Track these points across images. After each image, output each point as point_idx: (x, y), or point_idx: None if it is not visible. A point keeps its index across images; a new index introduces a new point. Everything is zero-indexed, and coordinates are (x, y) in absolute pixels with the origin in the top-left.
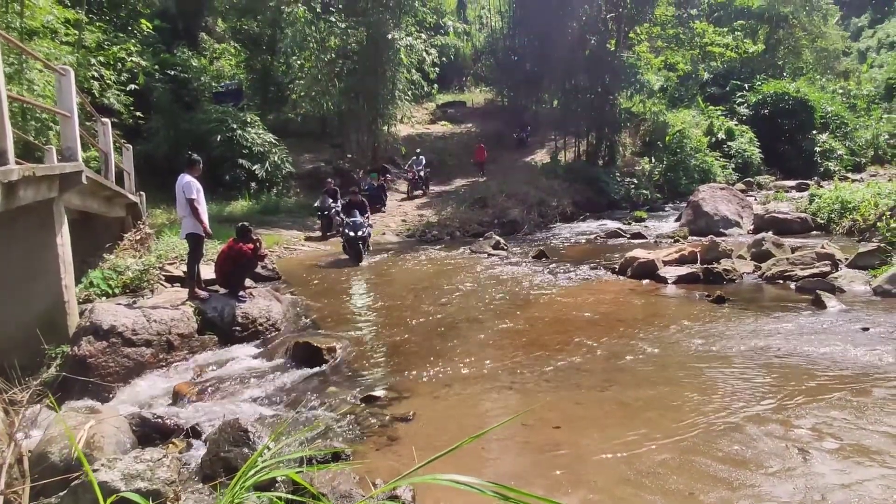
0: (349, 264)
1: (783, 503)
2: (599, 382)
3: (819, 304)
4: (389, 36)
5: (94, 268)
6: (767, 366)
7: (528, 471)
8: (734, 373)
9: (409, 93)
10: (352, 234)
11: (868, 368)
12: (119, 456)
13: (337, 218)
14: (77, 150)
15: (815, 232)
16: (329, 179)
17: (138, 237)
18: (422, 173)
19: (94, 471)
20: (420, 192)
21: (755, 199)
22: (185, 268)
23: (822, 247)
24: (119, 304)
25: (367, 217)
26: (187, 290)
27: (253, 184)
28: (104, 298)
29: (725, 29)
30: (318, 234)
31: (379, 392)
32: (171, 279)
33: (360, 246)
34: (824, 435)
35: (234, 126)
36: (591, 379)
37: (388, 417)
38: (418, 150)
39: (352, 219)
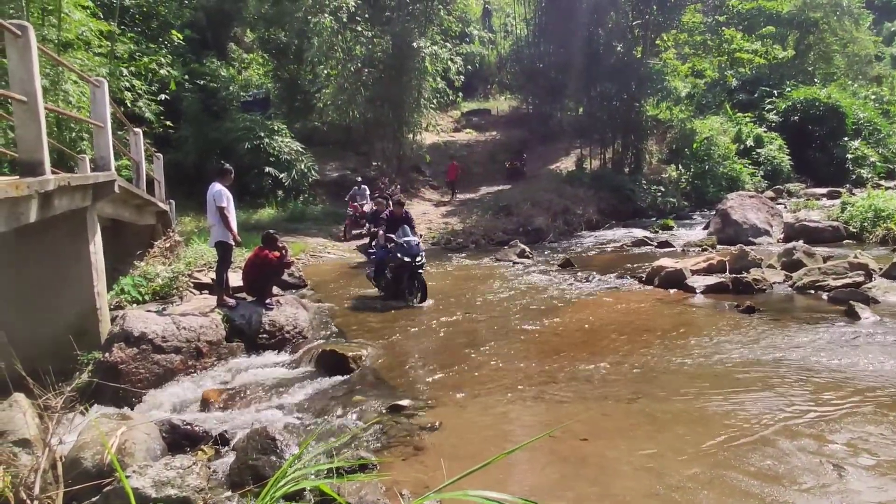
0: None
1: None
2: (627, 394)
3: (852, 316)
4: (415, 45)
5: (124, 275)
6: (799, 378)
7: (554, 483)
8: (765, 385)
9: (435, 101)
10: (406, 258)
11: None
12: (150, 463)
13: (370, 226)
14: (110, 160)
15: (847, 241)
16: (358, 178)
17: (168, 245)
18: (366, 207)
19: (126, 477)
20: (362, 230)
21: (785, 208)
22: (213, 275)
23: (856, 256)
24: (149, 311)
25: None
26: (216, 297)
27: (280, 192)
28: (135, 305)
29: (754, 36)
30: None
31: (405, 401)
32: (200, 286)
33: (416, 281)
34: (860, 451)
35: (262, 134)
36: (618, 390)
37: (414, 427)
38: (359, 179)
39: (405, 238)
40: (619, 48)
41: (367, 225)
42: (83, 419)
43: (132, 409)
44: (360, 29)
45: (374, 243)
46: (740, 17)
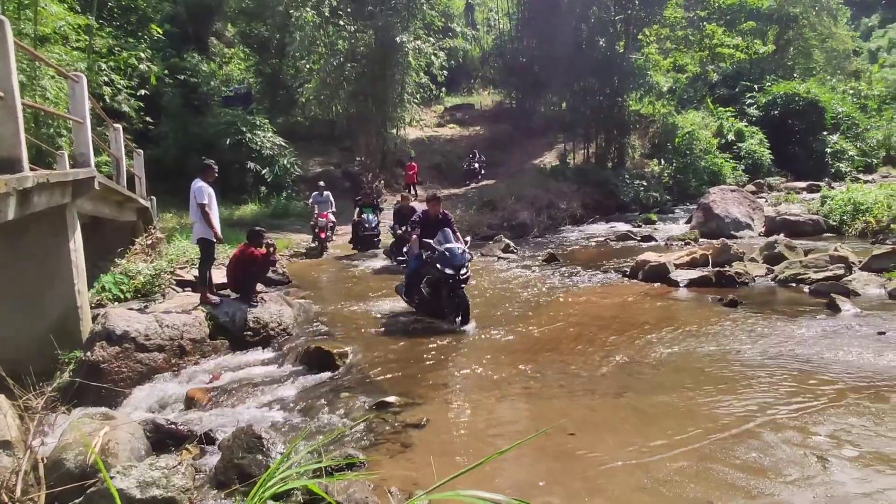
0: (358, 262)
1: None
2: (614, 388)
3: (833, 308)
4: (398, 39)
5: (105, 272)
6: (782, 371)
7: (543, 479)
8: (749, 378)
9: (418, 96)
10: (448, 270)
11: (885, 373)
12: (134, 463)
13: (396, 226)
14: (90, 156)
15: (827, 234)
16: (320, 183)
17: (149, 242)
18: (330, 215)
19: (111, 478)
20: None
21: (766, 201)
22: (196, 272)
23: (836, 249)
24: (131, 309)
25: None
26: (199, 294)
27: (262, 187)
28: (116, 303)
29: (735, 31)
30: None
31: (391, 398)
32: (183, 283)
33: (457, 298)
34: (843, 442)
35: (244, 129)
36: (605, 384)
37: (401, 424)
38: (321, 183)
39: (447, 245)
40: (602, 43)
41: (394, 227)
42: (65, 420)
43: (115, 408)
44: (342, 23)
45: (405, 249)
46: (721, 12)
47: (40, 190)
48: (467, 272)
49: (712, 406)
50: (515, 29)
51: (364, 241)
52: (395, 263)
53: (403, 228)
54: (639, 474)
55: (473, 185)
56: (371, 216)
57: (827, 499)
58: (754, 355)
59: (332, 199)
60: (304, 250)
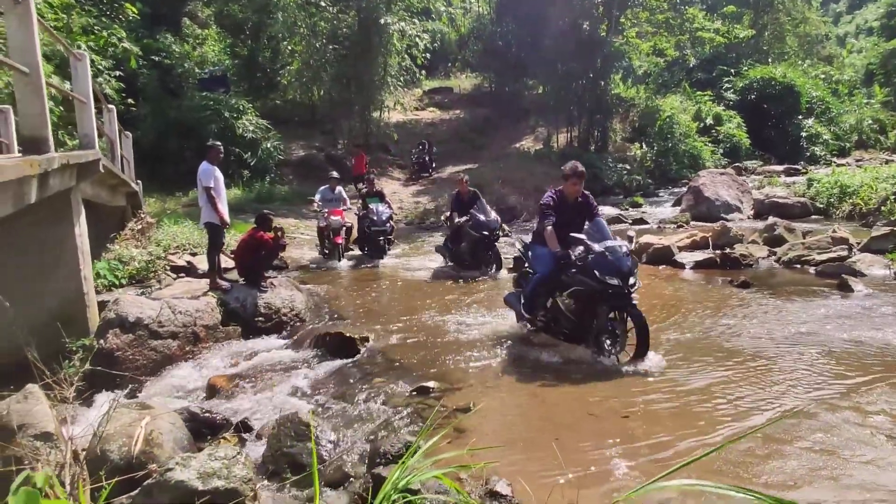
0: (410, 267)
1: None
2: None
3: (845, 288)
4: (382, 21)
5: (98, 259)
6: (817, 351)
7: (616, 461)
8: (787, 358)
9: (401, 79)
10: (615, 283)
11: None
12: (191, 454)
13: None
14: (94, 138)
15: (814, 216)
16: (333, 173)
17: (139, 227)
18: (347, 216)
19: (168, 469)
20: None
21: (751, 185)
22: (188, 257)
23: (834, 231)
24: (140, 294)
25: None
26: (203, 280)
27: (245, 172)
28: (114, 290)
29: (716, 14)
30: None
31: (430, 383)
32: (177, 269)
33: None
34: None
35: (226, 114)
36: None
37: (448, 409)
38: (334, 174)
39: (607, 242)
40: (585, 25)
41: (450, 216)
42: (90, 410)
43: (129, 399)
44: (323, 4)
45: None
46: None
47: (55, 172)
48: (636, 282)
49: (757, 386)
50: (494, 11)
51: (372, 241)
52: (448, 264)
53: (465, 218)
54: (713, 457)
55: (424, 177)
56: (381, 206)
57: None
58: (785, 335)
59: (345, 194)
60: (308, 262)
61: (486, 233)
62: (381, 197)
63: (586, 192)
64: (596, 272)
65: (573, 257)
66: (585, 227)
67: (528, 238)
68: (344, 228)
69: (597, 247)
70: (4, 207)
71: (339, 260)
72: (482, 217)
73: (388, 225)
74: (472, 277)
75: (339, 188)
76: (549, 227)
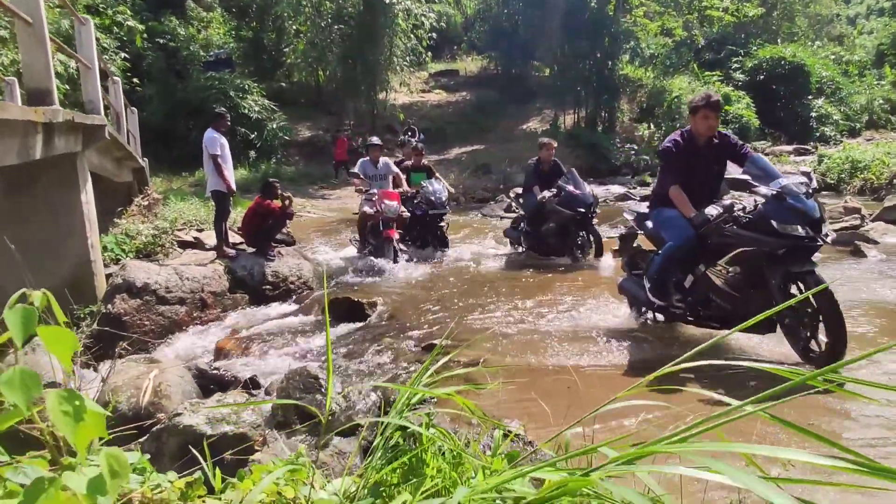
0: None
1: None
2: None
3: (859, 255)
4: (387, 0)
5: (105, 233)
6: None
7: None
8: None
9: (407, 59)
10: (580, 209)
11: None
12: (201, 400)
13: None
14: (99, 104)
15: (825, 192)
16: (374, 139)
17: (146, 203)
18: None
19: (177, 415)
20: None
21: None
22: (195, 233)
23: (846, 201)
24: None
25: None
26: (211, 250)
27: (251, 152)
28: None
29: None
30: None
31: (438, 341)
32: (184, 244)
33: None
34: None
35: (232, 94)
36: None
37: (457, 364)
38: (374, 140)
39: (571, 186)
40: (593, 4)
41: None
42: (92, 374)
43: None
44: None
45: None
46: None
47: (61, 131)
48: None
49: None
50: None
51: (432, 228)
52: (520, 249)
53: (550, 193)
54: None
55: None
56: (437, 184)
57: None
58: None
59: (394, 167)
60: (348, 267)
61: (581, 209)
62: (429, 172)
63: (724, 132)
64: (773, 223)
65: (736, 211)
66: (744, 168)
67: (638, 207)
68: (399, 217)
69: (764, 190)
70: (10, 156)
71: (395, 261)
72: (575, 190)
73: (447, 207)
74: (561, 267)
75: (384, 160)
76: (674, 188)
